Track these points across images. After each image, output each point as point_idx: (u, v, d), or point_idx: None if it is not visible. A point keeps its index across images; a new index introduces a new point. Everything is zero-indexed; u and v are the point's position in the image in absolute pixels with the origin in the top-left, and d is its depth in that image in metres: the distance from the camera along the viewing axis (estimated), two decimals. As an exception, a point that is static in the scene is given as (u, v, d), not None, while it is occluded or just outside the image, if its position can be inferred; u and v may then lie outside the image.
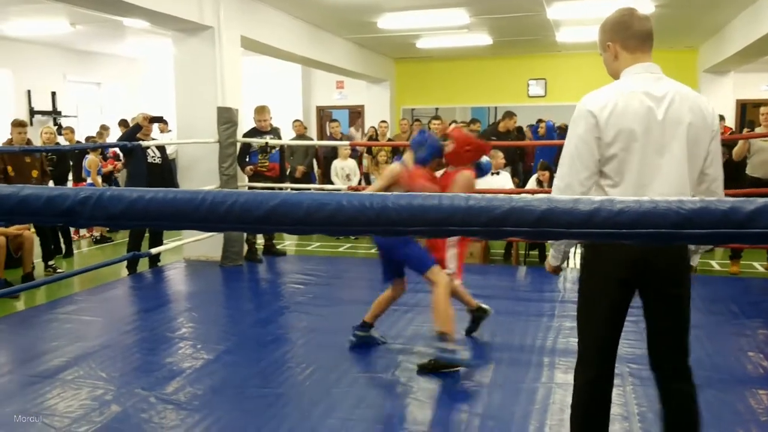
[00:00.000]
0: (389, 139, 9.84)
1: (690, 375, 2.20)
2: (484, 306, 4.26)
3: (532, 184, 7.26)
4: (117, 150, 8.57)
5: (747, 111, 12.31)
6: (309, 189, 7.83)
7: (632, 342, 3.57)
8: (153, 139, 6.74)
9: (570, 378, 3.59)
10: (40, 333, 4.54)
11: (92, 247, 8.31)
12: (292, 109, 12.44)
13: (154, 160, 6.41)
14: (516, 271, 6.57)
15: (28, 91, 11.06)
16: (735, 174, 6.13)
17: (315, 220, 0.92)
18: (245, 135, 6.90)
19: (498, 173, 6.89)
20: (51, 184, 6.99)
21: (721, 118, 6.42)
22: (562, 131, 12.14)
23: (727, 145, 6.37)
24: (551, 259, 2.39)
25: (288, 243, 8.30)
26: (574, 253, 7.58)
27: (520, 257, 7.13)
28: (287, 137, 8.88)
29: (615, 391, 2.32)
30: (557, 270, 2.41)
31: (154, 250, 6.34)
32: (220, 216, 0.93)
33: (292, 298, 5.47)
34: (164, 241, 6.75)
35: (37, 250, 6.41)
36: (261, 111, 6.97)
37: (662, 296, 2.17)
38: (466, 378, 3.63)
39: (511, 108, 9.71)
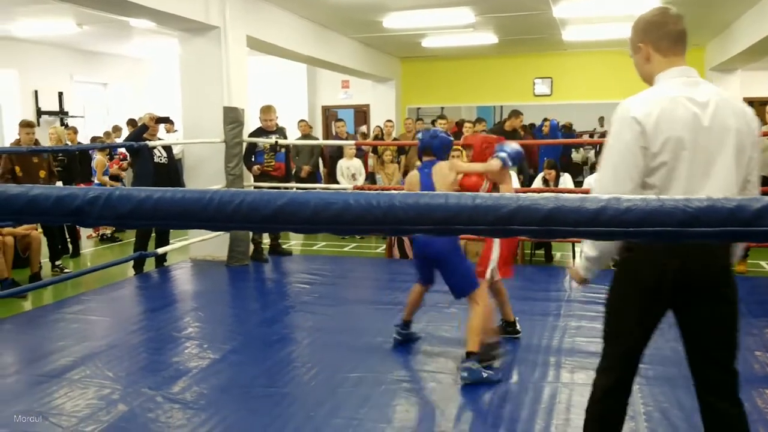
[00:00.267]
0: (395, 139, 9.83)
1: (737, 398, 2.06)
2: (518, 326, 4.24)
3: (537, 183, 7.25)
4: (124, 150, 8.61)
5: (754, 109, 12.24)
6: (315, 189, 7.84)
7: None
8: (159, 139, 6.76)
9: (576, 377, 3.61)
10: (47, 333, 4.56)
11: (99, 246, 8.35)
12: (297, 108, 12.45)
13: (161, 160, 6.43)
14: (522, 270, 6.56)
15: (35, 92, 11.10)
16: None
17: (322, 219, 0.92)
18: (251, 135, 6.91)
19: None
20: (59, 184, 7.01)
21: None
22: (567, 130, 12.14)
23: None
24: (582, 270, 2.17)
25: (294, 243, 8.32)
26: (581, 251, 7.58)
27: (526, 256, 7.12)
28: (292, 137, 8.90)
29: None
30: (585, 282, 2.20)
31: (160, 250, 6.36)
32: (227, 215, 0.93)
33: (298, 298, 5.48)
34: (170, 241, 6.77)
35: (44, 250, 6.45)
36: (267, 111, 6.98)
37: (705, 311, 2.01)
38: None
39: (516, 107, 9.68)
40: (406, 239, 6.79)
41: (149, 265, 6.62)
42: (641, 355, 2.14)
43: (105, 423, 3.09)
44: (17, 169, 6.04)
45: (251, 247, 6.94)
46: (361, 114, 13.68)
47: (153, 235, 6.68)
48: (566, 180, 7.21)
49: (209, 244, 6.71)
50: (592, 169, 12.40)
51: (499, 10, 8.45)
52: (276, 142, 6.83)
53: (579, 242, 7.39)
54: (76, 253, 7.53)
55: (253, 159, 6.88)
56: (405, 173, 8.85)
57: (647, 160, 1.94)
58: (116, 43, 11.30)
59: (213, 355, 4.03)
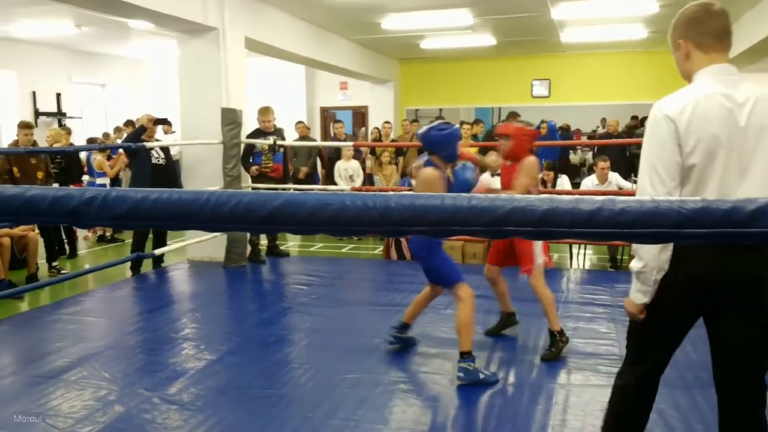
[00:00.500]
0: (393, 140, 9.84)
1: (763, 414, 2.00)
2: (515, 316, 4.34)
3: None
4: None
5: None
6: (312, 190, 7.84)
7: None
8: (157, 140, 6.76)
9: (573, 379, 3.61)
10: (44, 334, 4.55)
11: (96, 247, 8.34)
12: (295, 109, 12.46)
13: (159, 161, 6.43)
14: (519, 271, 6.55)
15: (33, 93, 11.10)
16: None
17: (319, 220, 0.92)
18: (249, 136, 6.92)
19: (500, 174, 6.88)
20: (56, 186, 7.01)
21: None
22: (564, 132, 12.14)
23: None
24: (638, 294, 1.98)
25: (291, 244, 8.31)
26: (578, 253, 7.58)
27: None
28: (290, 138, 8.90)
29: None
30: (641, 312, 2.01)
31: (157, 251, 6.36)
32: (224, 216, 0.93)
33: (296, 299, 5.48)
34: (168, 242, 6.77)
35: (41, 251, 6.44)
36: (265, 112, 6.99)
37: (741, 319, 1.94)
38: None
39: (515, 108, 9.71)
40: (403, 240, 6.81)
41: (146, 266, 6.62)
42: (670, 356, 2.12)
43: (101, 424, 3.08)
44: (15, 170, 6.03)
45: (248, 248, 6.94)
46: (360, 115, 13.69)
47: (150, 236, 6.69)
48: (564, 181, 7.23)
49: (206, 245, 6.71)
50: (590, 170, 12.41)
51: (498, 12, 8.47)
52: (274, 143, 6.83)
53: (576, 244, 7.42)
54: (73, 254, 7.53)
55: (251, 160, 6.89)
56: (403, 174, 8.86)
57: (682, 159, 1.88)
58: (114, 44, 11.30)
59: (210, 357, 4.02)
